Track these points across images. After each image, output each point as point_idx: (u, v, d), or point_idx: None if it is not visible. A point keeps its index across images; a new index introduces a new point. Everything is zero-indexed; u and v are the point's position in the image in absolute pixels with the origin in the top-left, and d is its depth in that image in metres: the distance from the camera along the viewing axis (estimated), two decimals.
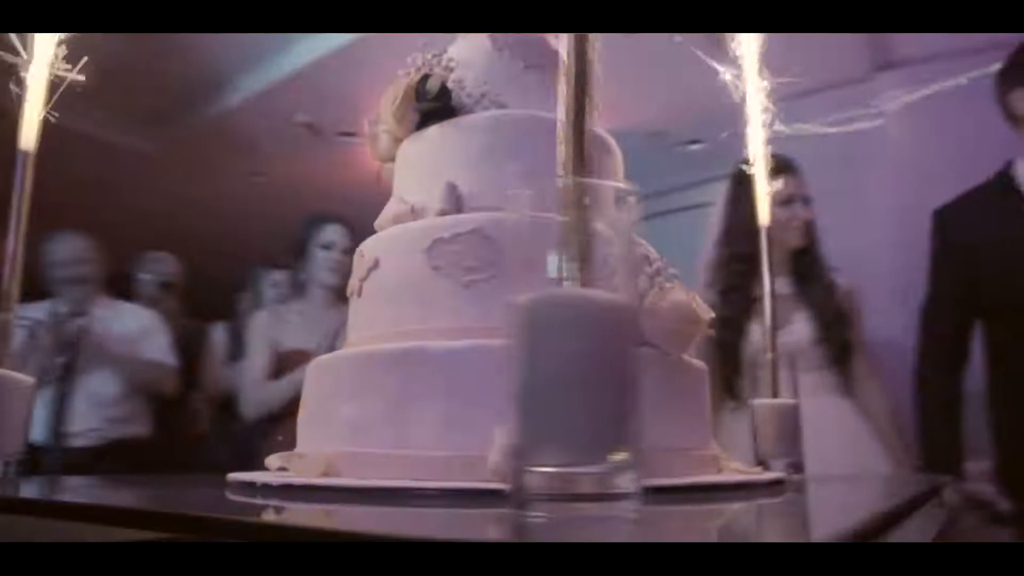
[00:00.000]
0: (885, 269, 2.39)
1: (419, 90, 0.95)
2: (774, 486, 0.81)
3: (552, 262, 0.49)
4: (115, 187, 3.88)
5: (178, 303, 2.83)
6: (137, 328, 2.46)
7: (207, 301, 2.92)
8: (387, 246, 0.89)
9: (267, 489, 0.72)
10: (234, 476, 0.81)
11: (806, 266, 1.93)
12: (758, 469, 0.90)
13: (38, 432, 2.34)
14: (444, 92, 0.95)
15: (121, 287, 2.48)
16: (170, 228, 3.71)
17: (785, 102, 1.30)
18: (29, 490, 0.75)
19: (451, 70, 0.98)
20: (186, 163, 3.76)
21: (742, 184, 2.02)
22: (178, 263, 2.91)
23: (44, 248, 2.42)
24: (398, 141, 1.00)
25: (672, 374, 0.81)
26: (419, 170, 0.96)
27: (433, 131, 0.94)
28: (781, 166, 1.98)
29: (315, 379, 0.87)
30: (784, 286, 1.92)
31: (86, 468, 2.20)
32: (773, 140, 1.32)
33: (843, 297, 1.89)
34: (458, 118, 0.94)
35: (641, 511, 0.45)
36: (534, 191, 0.52)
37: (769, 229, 1.94)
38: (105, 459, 2.29)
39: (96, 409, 2.35)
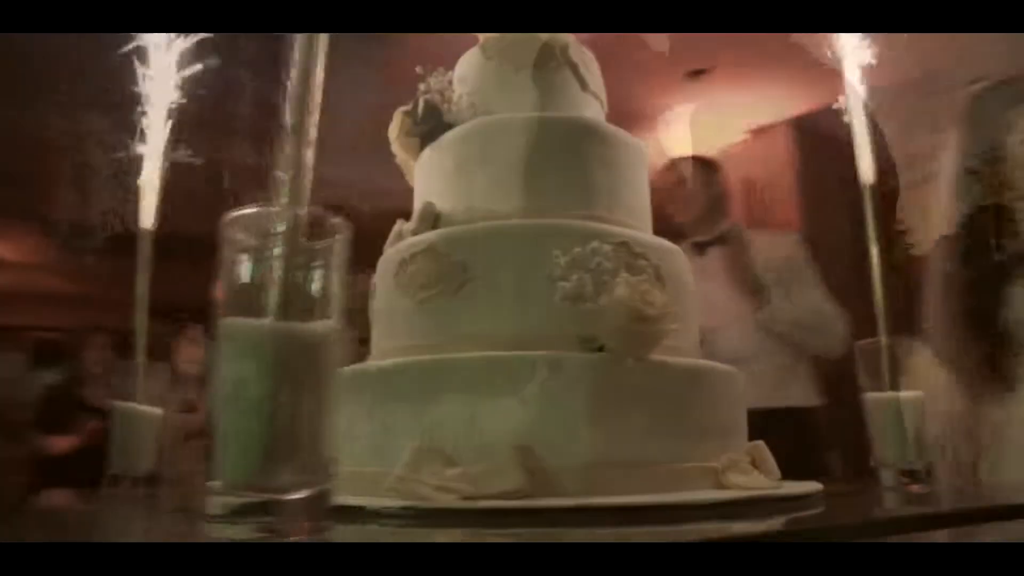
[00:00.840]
0: None
1: (411, 116, 0.98)
2: (772, 504, 0.67)
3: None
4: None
5: None
6: None
7: None
8: (379, 270, 0.93)
9: None
10: None
11: None
12: (774, 483, 0.75)
13: None
14: (431, 114, 0.96)
15: None
16: None
17: None
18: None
19: (452, 91, 1.00)
20: None
21: (978, 124, 1.66)
22: None
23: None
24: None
25: (630, 379, 0.72)
26: (416, 193, 0.99)
27: (424, 154, 0.97)
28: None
29: None
30: None
31: None
32: None
33: None
34: (440, 137, 0.95)
35: (317, 534, 0.44)
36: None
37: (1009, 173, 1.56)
38: None
39: None
